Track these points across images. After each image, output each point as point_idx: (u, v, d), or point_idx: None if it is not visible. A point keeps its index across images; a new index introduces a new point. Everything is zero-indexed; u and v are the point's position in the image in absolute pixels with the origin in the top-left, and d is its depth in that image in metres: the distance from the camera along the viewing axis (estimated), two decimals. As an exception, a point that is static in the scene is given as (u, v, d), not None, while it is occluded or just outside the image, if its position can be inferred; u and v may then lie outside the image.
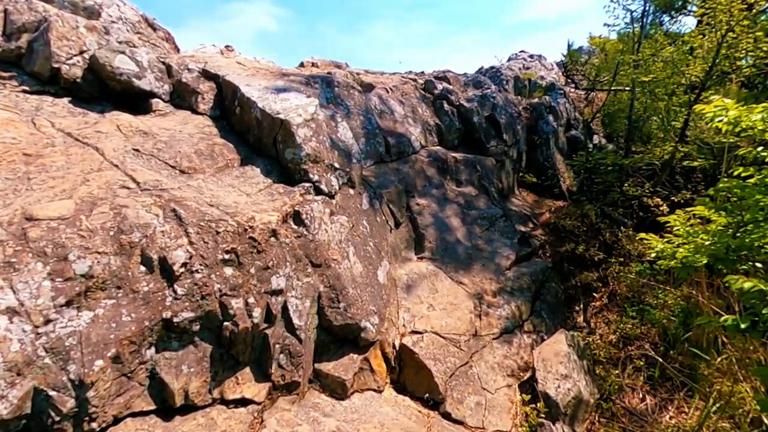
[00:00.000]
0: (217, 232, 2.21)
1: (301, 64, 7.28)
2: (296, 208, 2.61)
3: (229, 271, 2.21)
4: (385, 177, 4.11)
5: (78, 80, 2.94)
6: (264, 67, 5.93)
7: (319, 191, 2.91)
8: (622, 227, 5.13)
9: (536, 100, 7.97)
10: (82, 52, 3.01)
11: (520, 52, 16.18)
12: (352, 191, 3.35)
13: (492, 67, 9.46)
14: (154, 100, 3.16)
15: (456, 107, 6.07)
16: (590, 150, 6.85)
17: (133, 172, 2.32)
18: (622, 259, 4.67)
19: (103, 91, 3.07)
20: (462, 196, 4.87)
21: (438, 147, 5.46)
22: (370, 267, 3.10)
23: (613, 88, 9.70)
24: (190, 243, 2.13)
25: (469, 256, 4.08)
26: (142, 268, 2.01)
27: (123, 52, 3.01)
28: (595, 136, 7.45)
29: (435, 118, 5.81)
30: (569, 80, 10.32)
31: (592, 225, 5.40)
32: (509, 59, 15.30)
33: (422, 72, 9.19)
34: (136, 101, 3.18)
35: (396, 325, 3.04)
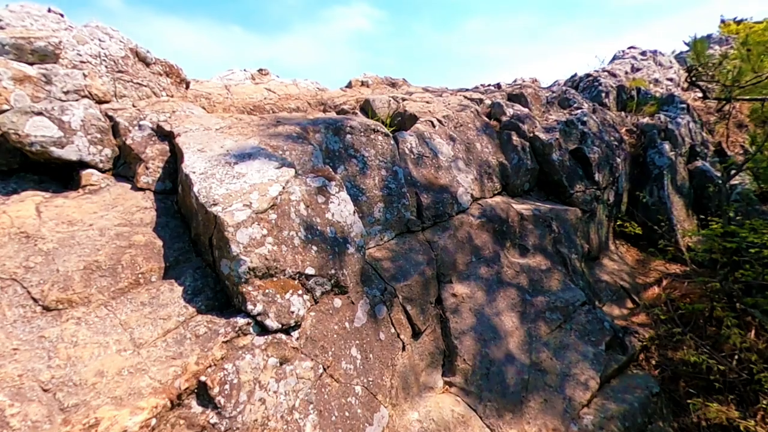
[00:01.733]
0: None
1: (349, 84, 6.36)
2: (203, 378, 1.62)
3: None
4: (408, 258, 2.97)
5: (-12, 150, 2.28)
6: (292, 95, 5.11)
7: (263, 329, 1.89)
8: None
9: (646, 119, 6.10)
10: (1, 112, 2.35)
11: (629, 48, 13.65)
12: (339, 301, 2.29)
13: (588, 75, 7.65)
14: (86, 172, 2.40)
15: (529, 140, 4.66)
16: (727, 196, 4.91)
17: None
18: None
19: (25, 161, 2.39)
20: (525, 274, 3.53)
21: (498, 198, 4.14)
22: (349, 435, 2.01)
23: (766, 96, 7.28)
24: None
25: (525, 385, 2.77)
26: None
27: (41, 113, 2.28)
28: (738, 176, 5.44)
29: (499, 155, 4.48)
30: (693, 84, 8.03)
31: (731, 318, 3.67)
32: (613, 59, 12.94)
33: (497, 86, 7.74)
34: (70, 172, 2.46)
35: None
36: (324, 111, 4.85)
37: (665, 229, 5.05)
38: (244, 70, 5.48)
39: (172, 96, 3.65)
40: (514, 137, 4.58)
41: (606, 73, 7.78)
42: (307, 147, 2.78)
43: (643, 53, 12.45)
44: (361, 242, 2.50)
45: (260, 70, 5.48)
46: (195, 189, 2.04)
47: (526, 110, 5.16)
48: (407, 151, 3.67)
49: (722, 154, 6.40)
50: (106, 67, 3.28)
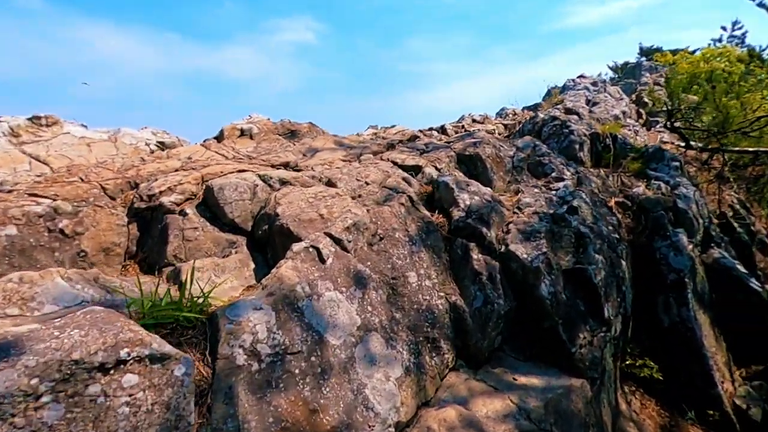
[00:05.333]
0: None
1: (220, 136, 4.15)
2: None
3: None
4: None
5: None
6: (80, 168, 2.81)
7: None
8: None
9: (641, 187, 4.44)
10: None
11: (579, 78, 12.58)
12: None
13: (554, 119, 5.99)
14: None
15: (499, 257, 2.70)
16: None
17: None
18: None
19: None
20: None
21: (450, 391, 2.11)
22: None
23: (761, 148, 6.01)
24: None
25: None
26: None
27: None
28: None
29: (449, 289, 2.48)
30: (673, 130, 6.66)
31: None
32: (564, 89, 11.76)
33: (440, 129, 5.88)
34: None
35: None
36: (128, 205, 2.61)
37: (695, 371, 3.33)
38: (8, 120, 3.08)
39: None
40: (475, 254, 2.61)
41: (575, 117, 6.19)
42: None
43: (595, 84, 11.37)
44: None
45: (35, 119, 3.11)
46: None
47: (487, 192, 3.23)
48: (242, 360, 1.53)
49: (729, 229, 4.91)
50: None
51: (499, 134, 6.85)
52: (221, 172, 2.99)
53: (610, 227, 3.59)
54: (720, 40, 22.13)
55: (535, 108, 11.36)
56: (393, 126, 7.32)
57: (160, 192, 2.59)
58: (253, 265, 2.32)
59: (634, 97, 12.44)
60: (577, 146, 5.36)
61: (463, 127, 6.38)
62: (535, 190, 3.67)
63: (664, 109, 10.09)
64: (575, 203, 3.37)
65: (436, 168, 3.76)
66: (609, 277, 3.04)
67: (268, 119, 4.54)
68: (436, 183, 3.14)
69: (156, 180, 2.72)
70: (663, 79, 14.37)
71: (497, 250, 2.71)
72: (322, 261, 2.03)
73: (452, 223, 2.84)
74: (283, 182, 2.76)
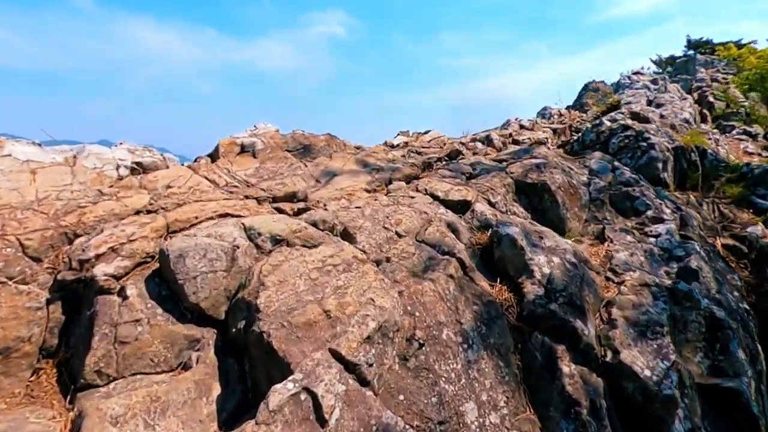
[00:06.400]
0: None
1: (214, 154, 3.33)
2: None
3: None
4: None
5: None
6: None
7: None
8: None
9: (763, 233, 3.33)
10: None
11: (635, 74, 11.31)
12: None
13: (625, 128, 4.88)
14: None
15: (603, 370, 1.74)
16: None
17: None
18: None
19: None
20: None
21: None
22: None
23: None
24: None
25: None
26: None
27: None
28: None
29: (528, 429, 1.56)
30: (723, 127, 5.40)
31: None
32: (619, 86, 10.52)
33: (486, 140, 4.88)
34: None
35: None
36: (55, 273, 1.80)
37: None
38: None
39: None
40: (565, 365, 1.66)
41: (650, 126, 5.06)
42: None
43: (654, 81, 10.06)
44: None
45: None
46: None
47: (568, 248, 2.25)
48: None
49: None
50: None
51: (552, 144, 5.78)
52: (196, 218, 2.14)
53: (735, 293, 2.55)
54: (786, 33, 19.79)
55: (581, 107, 10.12)
56: (427, 132, 6.36)
57: (97, 256, 1.76)
58: (218, 390, 1.46)
59: (696, 96, 10.93)
60: (660, 165, 4.27)
61: (510, 135, 5.36)
62: (628, 237, 2.67)
63: (740, 110, 8.71)
64: (693, 263, 2.36)
65: (490, 202, 2.81)
66: (756, 382, 2.03)
67: (276, 131, 3.68)
68: (497, 236, 2.20)
69: (98, 234, 1.90)
70: (721, 75, 12.73)
71: (600, 357, 1.74)
72: (322, 423, 1.15)
73: (524, 304, 1.90)
74: (277, 241, 1.89)
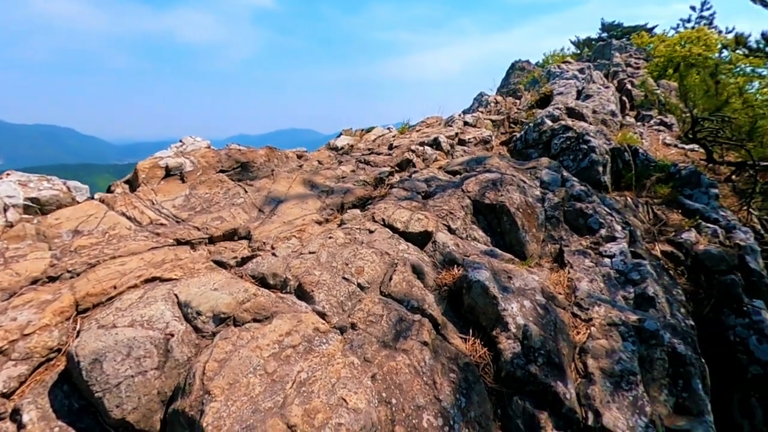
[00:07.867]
0: None
1: (132, 182, 2.85)
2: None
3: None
4: None
5: None
6: None
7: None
8: None
9: (696, 239, 3.53)
10: None
11: (565, 62, 11.79)
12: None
13: (566, 128, 4.98)
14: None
15: None
16: None
17: None
18: None
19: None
20: None
21: None
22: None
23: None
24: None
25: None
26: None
27: None
28: None
29: None
30: (695, 140, 5.79)
31: None
32: (551, 75, 10.85)
33: (434, 143, 4.73)
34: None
35: None
36: None
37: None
38: None
39: None
40: (550, 436, 1.57)
41: (593, 129, 5.21)
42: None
43: (581, 70, 10.50)
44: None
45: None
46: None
47: (537, 286, 2.16)
48: None
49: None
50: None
51: (495, 141, 5.79)
52: (114, 287, 1.75)
53: (682, 309, 2.66)
54: (689, 21, 21.84)
55: (513, 93, 10.38)
56: (371, 129, 6.11)
57: (-23, 366, 1.35)
58: None
59: (615, 83, 11.57)
60: (600, 168, 4.41)
61: (456, 135, 5.26)
62: (586, 261, 2.66)
63: (654, 100, 9.36)
64: (650, 290, 2.40)
65: (450, 229, 2.66)
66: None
67: (208, 146, 3.22)
68: (467, 281, 2.04)
69: (-23, 328, 1.46)
70: (633, 60, 13.69)
71: (581, 420, 1.67)
72: None
73: (501, 363, 1.78)
74: (222, 320, 1.57)
